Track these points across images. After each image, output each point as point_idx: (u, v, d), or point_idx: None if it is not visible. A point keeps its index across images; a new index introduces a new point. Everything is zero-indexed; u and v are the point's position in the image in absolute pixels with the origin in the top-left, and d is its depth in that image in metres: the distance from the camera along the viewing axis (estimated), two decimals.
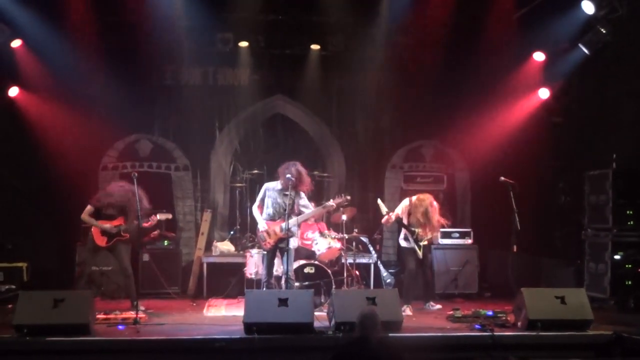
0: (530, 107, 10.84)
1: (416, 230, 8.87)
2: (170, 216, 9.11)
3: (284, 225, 8.11)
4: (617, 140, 9.49)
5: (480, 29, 10.74)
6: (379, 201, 9.01)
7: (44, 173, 10.40)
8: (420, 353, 6.85)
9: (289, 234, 8.08)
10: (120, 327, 7.36)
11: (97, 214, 8.49)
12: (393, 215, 8.87)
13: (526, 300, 7.36)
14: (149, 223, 8.52)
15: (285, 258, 8.19)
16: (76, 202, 8.84)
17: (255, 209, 8.43)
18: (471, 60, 10.99)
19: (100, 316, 7.69)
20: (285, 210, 8.12)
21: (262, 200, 8.37)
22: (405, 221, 8.95)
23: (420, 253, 8.88)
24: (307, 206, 8.41)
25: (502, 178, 8.88)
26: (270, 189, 8.34)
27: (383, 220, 9.03)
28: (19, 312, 6.85)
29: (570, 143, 10.66)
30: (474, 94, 10.87)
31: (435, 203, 8.97)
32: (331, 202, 8.52)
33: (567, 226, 10.63)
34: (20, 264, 9.55)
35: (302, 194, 8.36)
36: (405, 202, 9.11)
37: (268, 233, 8.20)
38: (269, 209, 8.32)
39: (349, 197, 8.73)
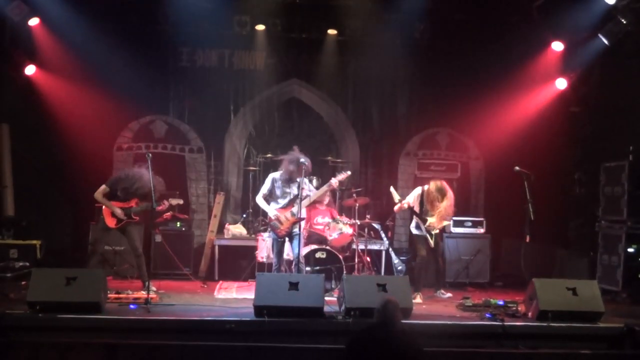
0: (548, 97, 10.74)
1: (428, 218, 8.84)
2: (181, 201, 9.14)
3: (294, 210, 8.12)
4: (635, 132, 9.39)
5: (500, 16, 10.64)
6: (392, 189, 8.98)
7: (59, 152, 10.48)
8: (429, 340, 6.87)
9: (299, 216, 8.08)
10: (131, 306, 7.41)
11: (111, 195, 8.52)
12: (405, 204, 8.85)
13: (538, 290, 7.34)
14: (161, 207, 8.54)
15: (295, 243, 8.20)
16: (90, 182, 8.88)
17: (260, 198, 8.41)
18: (489, 48, 10.90)
19: (112, 295, 7.73)
20: (296, 196, 8.13)
21: (270, 191, 8.38)
22: (417, 209, 8.93)
23: (432, 241, 8.86)
24: (312, 190, 8.51)
25: (517, 168, 8.83)
26: (277, 179, 8.36)
27: (395, 208, 9.01)
28: (32, 289, 6.91)
29: (587, 134, 10.56)
30: (491, 83, 10.78)
31: (450, 193, 8.91)
32: (334, 180, 8.51)
33: (581, 217, 10.55)
34: (34, 242, 9.63)
35: (306, 180, 8.40)
36: (418, 190, 9.07)
37: (280, 220, 8.21)
38: (278, 199, 8.33)
39: (349, 173, 8.77)
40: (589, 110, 10.55)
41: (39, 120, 10.30)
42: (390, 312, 5.20)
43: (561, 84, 10.65)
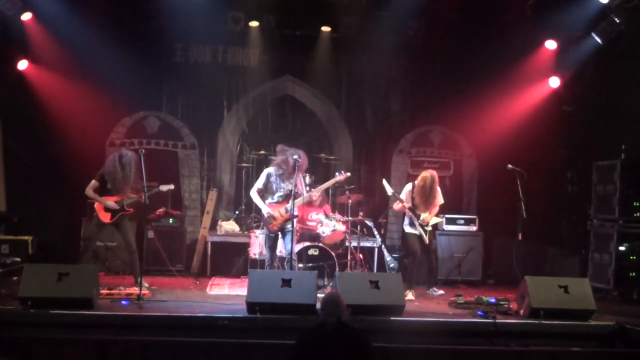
0: (541, 96, 10.78)
1: (421, 214, 8.85)
2: (172, 186, 8.99)
3: (288, 206, 8.12)
4: (627, 131, 9.43)
5: (493, 15, 10.66)
6: (385, 182, 8.97)
7: (51, 147, 10.43)
8: (421, 338, 6.89)
9: (292, 213, 8.08)
10: (123, 302, 7.39)
11: (102, 190, 8.49)
12: (405, 204, 8.84)
13: (529, 288, 7.36)
14: (156, 214, 8.49)
15: (287, 239, 8.21)
16: (83, 177, 8.84)
17: (254, 193, 8.40)
18: (483, 46, 10.91)
19: (104, 291, 7.71)
20: (290, 192, 8.14)
21: (265, 185, 8.38)
22: (409, 205, 8.93)
23: (426, 238, 8.87)
24: (306, 185, 8.61)
25: (510, 166, 8.85)
26: (272, 174, 8.36)
27: (397, 208, 9.00)
28: (23, 285, 6.87)
29: (579, 132, 10.60)
30: (484, 81, 10.80)
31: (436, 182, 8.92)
32: (330, 182, 8.60)
33: (573, 216, 10.61)
34: (26, 237, 9.60)
35: (301, 176, 8.42)
36: (409, 186, 9.09)
37: (273, 216, 8.21)
38: (273, 194, 8.33)
39: (348, 174, 8.80)
40: (581, 109, 10.59)
41: (31, 115, 10.25)
42: (328, 310, 5.19)
43: (554, 82, 10.69)
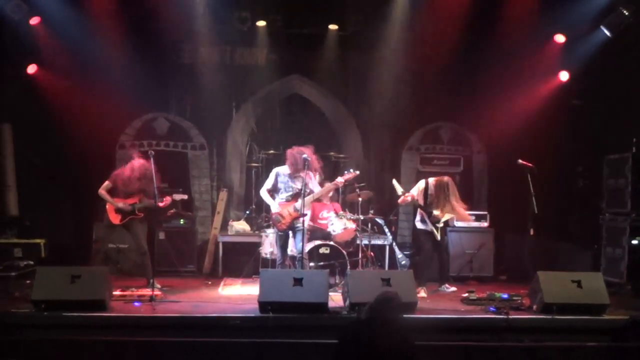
0: (550, 90, 10.72)
1: (433, 211, 8.84)
2: (185, 197, 9.14)
3: (297, 204, 8.12)
4: (637, 123, 9.37)
5: (501, 9, 10.60)
6: (394, 182, 8.97)
7: (61, 151, 10.47)
8: (434, 335, 6.87)
9: (302, 212, 8.08)
10: (136, 303, 7.43)
11: (114, 191, 8.53)
12: (409, 197, 8.85)
13: (542, 283, 7.33)
14: (163, 203, 8.52)
15: (298, 238, 8.20)
16: (93, 180, 8.88)
17: (264, 191, 8.44)
18: (491, 41, 10.83)
19: (117, 293, 7.75)
20: (299, 191, 8.15)
21: (274, 185, 8.40)
22: (421, 202, 8.92)
23: (438, 235, 8.86)
24: (317, 186, 8.55)
25: (520, 161, 8.82)
26: (281, 174, 8.39)
27: (399, 200, 9.01)
28: (37, 288, 6.92)
29: (589, 126, 10.55)
30: (493, 76, 10.74)
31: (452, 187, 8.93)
32: (340, 179, 8.53)
33: (584, 210, 10.55)
34: (38, 240, 9.65)
35: (312, 175, 8.41)
36: (421, 183, 9.08)
37: (282, 215, 8.22)
38: (282, 193, 8.35)
39: (357, 172, 8.75)
40: (591, 103, 10.53)
41: (41, 119, 10.29)
42: (378, 308, 5.18)
43: (563, 76, 10.64)
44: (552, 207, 9.89)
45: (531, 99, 10.68)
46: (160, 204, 8.34)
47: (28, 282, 8.15)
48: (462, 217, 9.19)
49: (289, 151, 8.48)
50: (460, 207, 8.94)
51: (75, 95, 10.33)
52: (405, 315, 6.88)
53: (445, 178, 8.97)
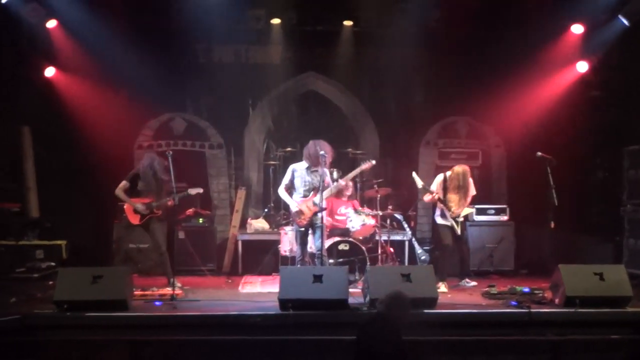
0: (568, 81, 10.60)
1: (453, 205, 8.80)
2: (201, 190, 9.05)
3: (316, 199, 8.12)
4: None
5: (517, 1, 10.51)
6: (414, 174, 8.92)
7: (80, 152, 10.53)
8: (455, 330, 6.85)
9: (321, 206, 8.07)
10: (157, 303, 7.46)
11: (132, 191, 8.57)
12: (435, 195, 8.80)
13: (564, 276, 7.26)
14: (171, 203, 8.51)
15: (317, 235, 8.20)
16: (112, 181, 8.91)
17: (282, 190, 8.42)
18: (507, 33, 10.78)
19: (138, 292, 7.79)
20: (317, 186, 8.15)
21: (291, 181, 8.40)
22: (440, 196, 8.88)
23: (458, 229, 8.81)
24: (334, 180, 8.64)
25: (539, 153, 8.74)
26: (298, 170, 8.37)
27: (428, 199, 8.97)
28: (59, 289, 6.98)
29: (608, 117, 10.42)
30: (509, 68, 10.65)
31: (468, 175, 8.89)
32: (357, 170, 8.59)
33: (605, 202, 10.44)
34: (59, 242, 9.73)
35: (327, 171, 8.42)
36: (440, 177, 9.04)
37: (302, 211, 8.22)
38: (299, 189, 8.35)
39: (374, 162, 8.75)
40: (610, 93, 10.42)
41: (60, 121, 10.36)
42: (393, 305, 5.20)
43: (582, 67, 10.52)
44: (572, 200, 9.79)
45: (549, 90, 10.57)
46: (169, 203, 8.37)
47: (50, 283, 8.23)
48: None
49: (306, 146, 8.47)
50: (467, 199, 8.90)
51: (93, 97, 10.39)
52: (426, 311, 6.91)
53: (459, 168, 8.91)
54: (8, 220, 9.62)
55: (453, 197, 8.83)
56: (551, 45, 10.45)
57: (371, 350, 5.17)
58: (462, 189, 8.82)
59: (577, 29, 10.29)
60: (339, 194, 9.24)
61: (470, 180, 8.96)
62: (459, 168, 8.91)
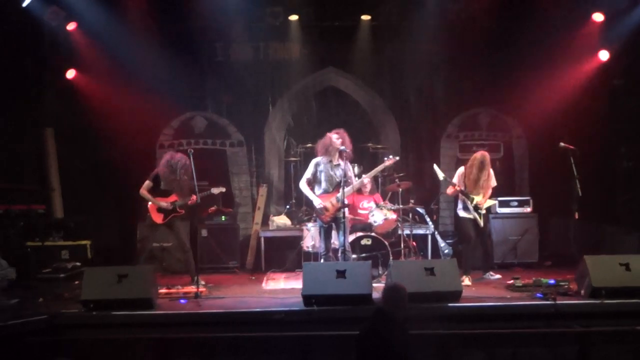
0: (590, 70, 10.49)
1: (475, 198, 8.74)
2: (223, 189, 9.12)
3: (339, 195, 8.11)
4: None
5: None
6: (435, 167, 8.88)
7: (103, 153, 10.65)
8: (480, 323, 6.82)
9: (345, 203, 8.06)
10: (182, 301, 7.52)
11: (155, 190, 8.64)
12: (458, 187, 8.74)
13: (589, 267, 7.20)
14: (191, 201, 8.57)
15: (341, 230, 8.19)
16: (135, 181, 8.99)
17: (304, 184, 8.39)
18: (527, 24, 10.67)
19: (163, 291, 7.86)
20: (339, 181, 8.14)
21: (314, 175, 8.38)
22: (462, 188, 8.83)
23: (481, 222, 8.75)
24: (355, 175, 8.59)
25: (562, 144, 8.66)
26: (321, 163, 8.35)
27: (449, 192, 8.93)
28: (85, 288, 7.06)
29: (632, 106, 10.29)
30: (530, 59, 10.57)
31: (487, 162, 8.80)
32: (380, 167, 8.60)
33: (630, 192, 10.31)
34: (84, 242, 9.81)
35: (349, 166, 8.42)
36: (460, 170, 8.98)
37: (326, 207, 8.20)
38: (322, 183, 8.33)
39: (397, 158, 8.75)
40: (632, 82, 10.28)
41: (82, 122, 10.47)
42: (392, 298, 5.18)
43: (603, 55, 10.40)
44: (596, 190, 9.68)
45: (571, 80, 10.46)
46: (189, 202, 8.45)
47: (76, 282, 8.32)
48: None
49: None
50: (489, 189, 8.83)
51: (114, 98, 10.46)
52: (450, 304, 6.89)
53: (477, 154, 8.81)
54: (34, 222, 9.72)
55: (472, 187, 8.73)
56: (572, 34, 10.35)
57: (371, 345, 5.17)
58: (479, 176, 8.68)
59: (598, 17, 10.18)
60: (358, 189, 9.24)
61: (491, 171, 8.88)
62: (476, 154, 8.82)
